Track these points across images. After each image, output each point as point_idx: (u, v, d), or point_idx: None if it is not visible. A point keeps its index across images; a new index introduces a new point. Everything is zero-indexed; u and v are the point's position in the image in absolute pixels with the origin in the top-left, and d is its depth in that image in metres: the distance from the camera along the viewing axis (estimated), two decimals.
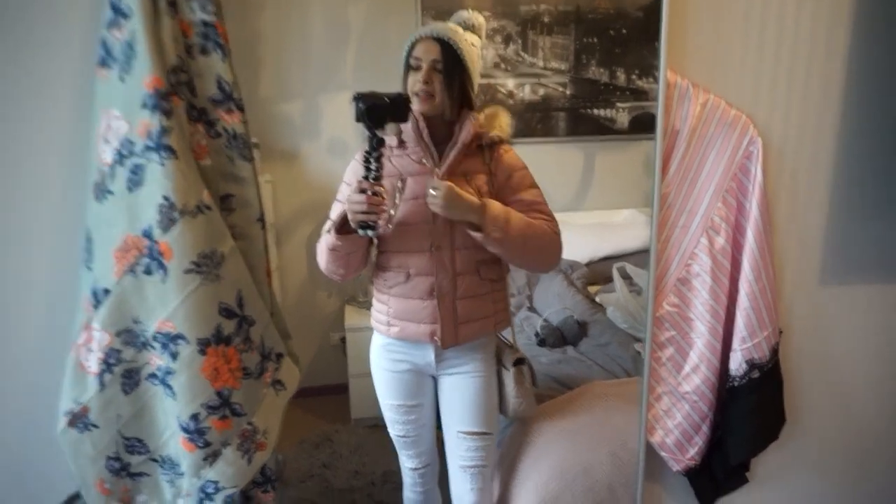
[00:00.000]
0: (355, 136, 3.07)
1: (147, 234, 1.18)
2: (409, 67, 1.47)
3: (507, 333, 1.76)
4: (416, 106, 1.44)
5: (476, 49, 1.49)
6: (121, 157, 1.21)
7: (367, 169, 1.32)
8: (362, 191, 1.30)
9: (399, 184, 1.43)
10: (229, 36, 2.92)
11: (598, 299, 2.68)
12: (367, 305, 1.89)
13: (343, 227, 1.41)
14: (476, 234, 1.38)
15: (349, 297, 3.10)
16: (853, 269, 1.76)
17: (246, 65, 2.94)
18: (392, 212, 1.41)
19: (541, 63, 3.13)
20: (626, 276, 2.69)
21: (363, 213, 1.30)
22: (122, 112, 1.19)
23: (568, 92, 3.16)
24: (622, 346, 2.39)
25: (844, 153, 1.65)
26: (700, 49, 1.54)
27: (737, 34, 1.54)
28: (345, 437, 2.76)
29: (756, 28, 1.54)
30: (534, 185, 1.55)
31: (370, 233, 1.35)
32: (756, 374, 1.63)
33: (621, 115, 3.24)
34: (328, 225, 1.50)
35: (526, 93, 3.12)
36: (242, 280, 1.23)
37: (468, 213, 1.37)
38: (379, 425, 2.98)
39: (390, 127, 1.42)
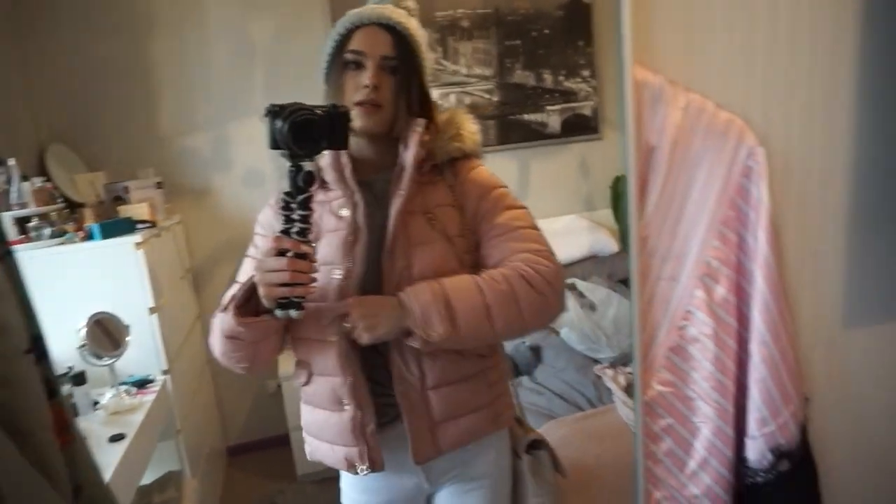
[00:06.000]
0: (273, 164, 2.81)
1: None
2: (343, 66, 1.03)
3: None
4: (354, 121, 1.00)
5: (425, 38, 1.10)
6: None
7: (288, 220, 0.91)
8: (281, 252, 0.90)
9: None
10: (117, 64, 2.63)
11: None
12: None
13: (248, 304, 0.97)
14: (412, 343, 0.98)
15: None
16: (884, 303, 1.33)
17: (140, 98, 2.63)
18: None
19: (464, 70, 2.96)
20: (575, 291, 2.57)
21: (282, 285, 0.90)
22: None
23: (495, 99, 3.01)
24: (581, 371, 2.19)
25: (864, 161, 1.25)
26: (673, 33, 1.14)
27: (720, 9, 1.16)
28: (291, 497, 2.48)
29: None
30: (513, 206, 1.09)
31: (293, 313, 0.93)
32: (785, 466, 1.23)
33: (552, 119, 3.12)
34: (227, 296, 1.02)
35: (451, 103, 2.94)
36: None
37: (396, 317, 0.97)
38: (329, 478, 2.78)
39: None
